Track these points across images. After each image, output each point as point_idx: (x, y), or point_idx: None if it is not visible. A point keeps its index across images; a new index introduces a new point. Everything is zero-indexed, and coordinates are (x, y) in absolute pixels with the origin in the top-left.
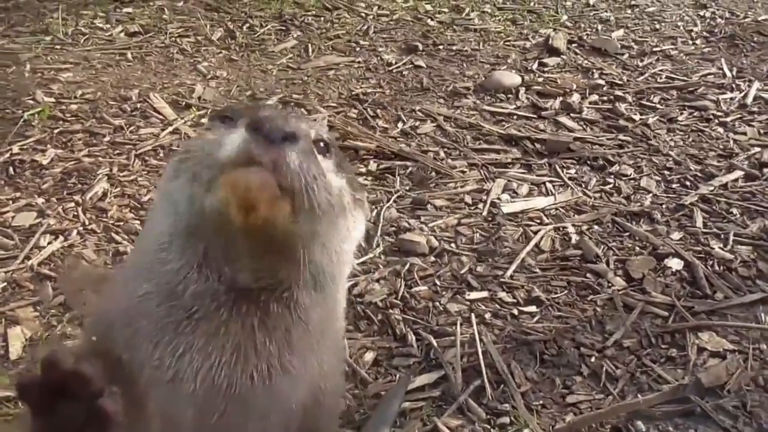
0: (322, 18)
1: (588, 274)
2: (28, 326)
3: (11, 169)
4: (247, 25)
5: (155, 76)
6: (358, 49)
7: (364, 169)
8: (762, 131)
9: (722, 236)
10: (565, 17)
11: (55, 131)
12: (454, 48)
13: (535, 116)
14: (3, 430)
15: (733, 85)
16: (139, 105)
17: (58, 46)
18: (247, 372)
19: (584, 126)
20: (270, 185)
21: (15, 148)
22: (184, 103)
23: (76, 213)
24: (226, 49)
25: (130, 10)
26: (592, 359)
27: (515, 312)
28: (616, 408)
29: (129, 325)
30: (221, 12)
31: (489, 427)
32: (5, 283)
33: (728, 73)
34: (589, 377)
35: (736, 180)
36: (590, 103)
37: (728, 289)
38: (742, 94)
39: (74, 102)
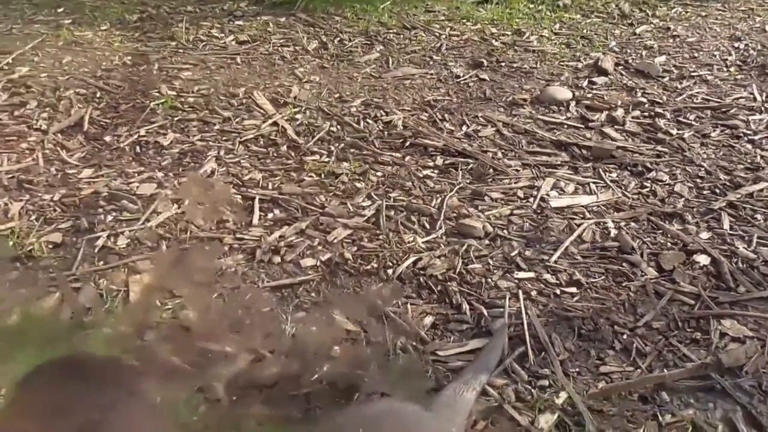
0: (402, 35)
1: (624, 264)
2: (146, 275)
3: (138, 147)
4: (338, 38)
5: (259, 77)
6: (431, 62)
7: (431, 164)
8: None
9: (746, 238)
10: (613, 43)
11: (175, 119)
12: (515, 65)
13: (583, 126)
14: None
15: (762, 108)
16: (244, 101)
17: (181, 50)
18: None
19: (626, 137)
20: None
21: (142, 131)
22: (282, 101)
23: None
24: (319, 58)
25: (241, 22)
26: (624, 336)
27: (558, 292)
28: (643, 379)
29: None
30: (317, 27)
31: (530, 387)
32: (129, 240)
33: (758, 97)
34: (621, 352)
35: (761, 190)
36: (633, 117)
37: (750, 284)
38: None
39: (191, 96)
